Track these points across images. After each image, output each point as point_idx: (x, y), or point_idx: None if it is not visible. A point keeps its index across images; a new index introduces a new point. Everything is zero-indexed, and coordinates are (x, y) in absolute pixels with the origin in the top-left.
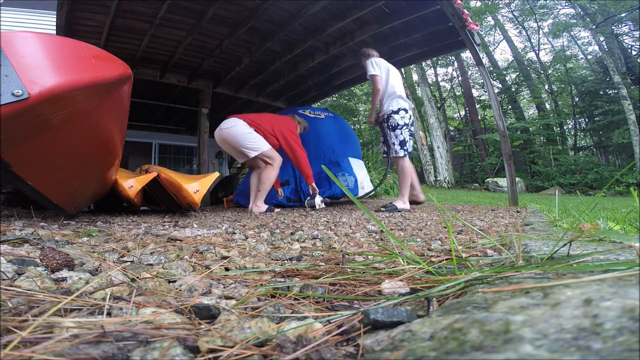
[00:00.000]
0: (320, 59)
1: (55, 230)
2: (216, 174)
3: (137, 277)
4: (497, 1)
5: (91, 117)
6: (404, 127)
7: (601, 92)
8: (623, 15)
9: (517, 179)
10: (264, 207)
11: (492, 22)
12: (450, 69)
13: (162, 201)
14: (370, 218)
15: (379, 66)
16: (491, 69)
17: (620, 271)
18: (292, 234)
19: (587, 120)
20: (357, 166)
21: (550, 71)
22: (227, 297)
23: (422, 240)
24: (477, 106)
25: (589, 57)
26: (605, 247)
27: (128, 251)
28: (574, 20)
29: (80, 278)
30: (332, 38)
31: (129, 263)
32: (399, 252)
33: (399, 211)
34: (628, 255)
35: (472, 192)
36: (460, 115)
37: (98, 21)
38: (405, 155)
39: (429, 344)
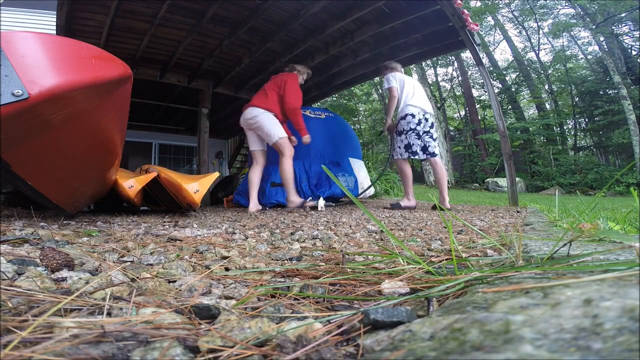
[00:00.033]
0: (320, 59)
1: (55, 230)
2: (216, 174)
3: (137, 277)
4: (497, 1)
5: (91, 117)
6: (410, 132)
7: (601, 92)
8: (623, 15)
9: (517, 179)
10: (299, 200)
11: (492, 22)
12: (450, 69)
13: (162, 201)
14: (370, 218)
15: (395, 79)
16: (491, 69)
17: (620, 271)
18: (292, 234)
19: (587, 120)
20: (358, 166)
21: (550, 71)
22: (227, 297)
23: (422, 240)
24: (477, 106)
25: (589, 57)
26: (605, 247)
27: (128, 251)
28: (574, 20)
29: (80, 278)
30: (332, 38)
31: (129, 263)
32: (399, 252)
33: (402, 209)
34: (628, 255)
35: (472, 192)
36: (460, 115)
37: (98, 21)
38: (408, 157)
39: (429, 344)
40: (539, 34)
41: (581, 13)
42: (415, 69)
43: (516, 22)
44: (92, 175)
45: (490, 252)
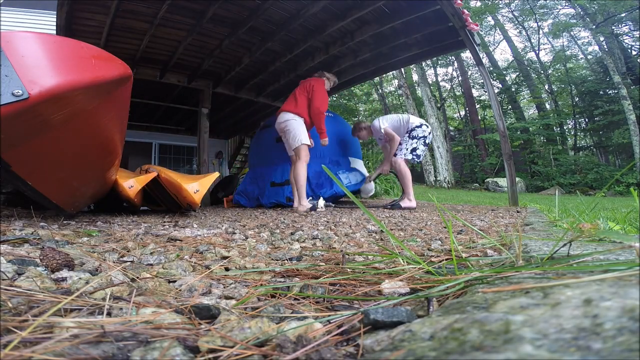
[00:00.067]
0: (320, 59)
1: (55, 230)
2: (216, 174)
3: (137, 277)
4: (497, 1)
5: (91, 117)
6: (421, 139)
7: (601, 92)
8: (623, 15)
9: (517, 179)
10: (308, 205)
11: (492, 22)
12: (450, 69)
13: (162, 201)
14: (370, 218)
15: (380, 121)
16: (491, 69)
17: (620, 271)
18: (292, 234)
19: (587, 120)
20: (358, 166)
21: (550, 71)
22: (227, 297)
23: (422, 240)
24: (477, 106)
25: (589, 57)
26: (605, 247)
27: (128, 251)
28: (574, 20)
29: (80, 278)
30: (332, 38)
31: (129, 263)
32: (399, 252)
33: (402, 208)
34: (628, 255)
35: (472, 192)
36: (460, 115)
37: (98, 21)
38: (411, 159)
39: (429, 344)
40: (539, 34)
41: (581, 13)
42: (415, 69)
43: (516, 22)
44: (92, 175)
45: (490, 252)
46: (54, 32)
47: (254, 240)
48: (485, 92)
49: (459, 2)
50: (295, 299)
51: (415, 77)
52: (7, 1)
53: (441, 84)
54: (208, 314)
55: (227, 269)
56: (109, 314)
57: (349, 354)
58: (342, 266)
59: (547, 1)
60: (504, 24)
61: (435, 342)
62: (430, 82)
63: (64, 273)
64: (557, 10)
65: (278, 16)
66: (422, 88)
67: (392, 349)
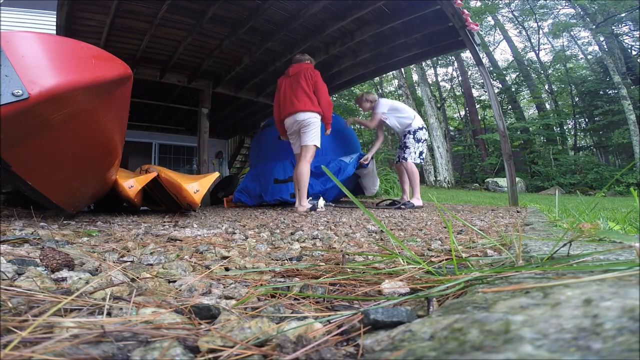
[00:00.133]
0: (320, 59)
1: (55, 230)
2: (216, 174)
3: (137, 277)
4: (497, 1)
5: (91, 117)
6: (424, 142)
7: (601, 92)
8: (623, 15)
9: (517, 179)
10: (308, 205)
11: (492, 22)
12: (450, 69)
13: (162, 201)
14: (370, 218)
15: (380, 104)
16: (491, 69)
17: (620, 271)
18: (292, 234)
19: (587, 120)
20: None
21: (550, 71)
22: (227, 297)
23: (422, 240)
24: (477, 106)
25: (589, 57)
26: (605, 247)
27: (128, 251)
28: (574, 20)
29: (80, 278)
30: (332, 38)
31: (129, 263)
32: (399, 252)
33: (415, 208)
34: (628, 255)
35: (472, 192)
36: (460, 115)
37: (98, 21)
38: (419, 162)
39: (429, 344)
40: (539, 34)
41: (581, 13)
42: (415, 69)
43: (516, 22)
44: (92, 175)
45: (490, 252)
46: (54, 32)
47: (254, 240)
48: (485, 92)
49: (459, 2)
50: (295, 299)
51: (415, 77)
52: (7, 1)
53: (441, 84)
54: (208, 314)
55: (227, 269)
56: (109, 314)
57: (349, 354)
58: (342, 266)
59: (547, 1)
60: (504, 24)
61: (435, 342)
62: (430, 82)
63: (64, 273)
64: (557, 10)
65: (278, 16)
66: (422, 88)
67: (392, 349)
